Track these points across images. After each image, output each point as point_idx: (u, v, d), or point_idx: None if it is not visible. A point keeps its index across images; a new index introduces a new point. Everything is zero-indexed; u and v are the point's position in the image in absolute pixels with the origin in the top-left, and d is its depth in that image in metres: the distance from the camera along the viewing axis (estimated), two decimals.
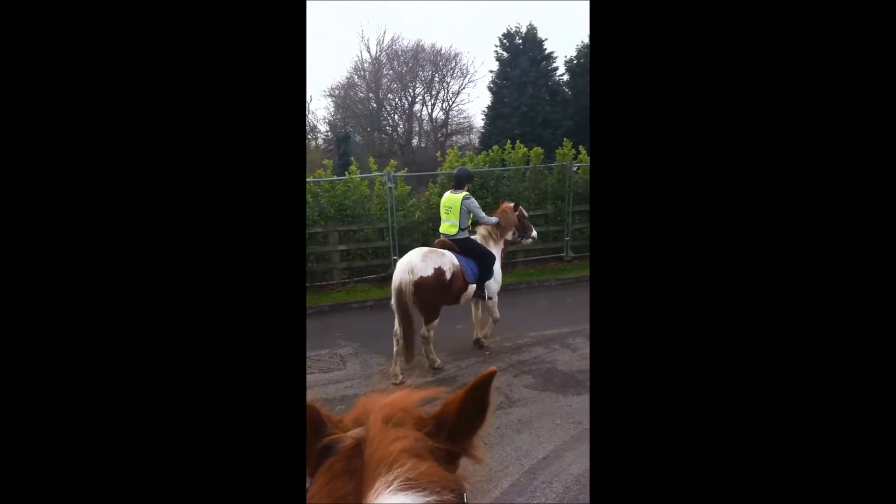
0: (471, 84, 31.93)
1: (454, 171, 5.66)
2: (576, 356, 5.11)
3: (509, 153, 9.07)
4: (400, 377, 4.60)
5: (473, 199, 5.05)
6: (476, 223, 5.24)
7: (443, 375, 4.81)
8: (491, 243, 5.24)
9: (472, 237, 5.16)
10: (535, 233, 5.76)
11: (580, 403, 4.20)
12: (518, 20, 35.68)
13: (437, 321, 4.80)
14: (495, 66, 21.75)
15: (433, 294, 4.62)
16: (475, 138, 24.41)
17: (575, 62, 21.69)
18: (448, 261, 4.79)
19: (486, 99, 22.37)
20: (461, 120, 26.49)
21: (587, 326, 5.19)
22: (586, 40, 21.49)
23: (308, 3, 0.71)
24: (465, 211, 4.97)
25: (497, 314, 5.34)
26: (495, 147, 9.29)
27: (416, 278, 4.55)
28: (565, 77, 21.85)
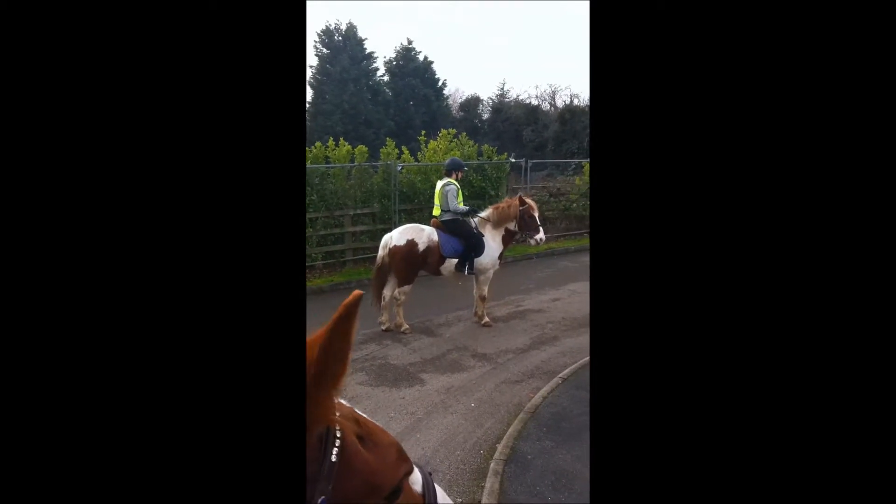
0: None
1: (445, 162, 6.09)
2: (407, 350, 5.26)
3: (333, 150, 8.92)
4: (386, 325, 5.65)
5: (452, 187, 5.59)
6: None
7: None
8: (488, 227, 5.73)
9: (465, 220, 5.68)
10: (541, 234, 5.80)
11: (413, 395, 4.35)
12: (337, 17, 35.21)
13: (408, 287, 5.55)
14: (315, 61, 21.24)
15: (403, 261, 5.41)
16: None
17: (394, 63, 22.10)
18: (426, 235, 5.48)
19: (307, 94, 21.68)
20: None
21: (418, 321, 5.39)
22: (405, 42, 22.17)
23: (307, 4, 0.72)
24: (445, 196, 5.57)
25: (484, 291, 5.80)
26: (318, 144, 9.05)
27: (390, 248, 5.43)
28: (385, 78, 22.18)
